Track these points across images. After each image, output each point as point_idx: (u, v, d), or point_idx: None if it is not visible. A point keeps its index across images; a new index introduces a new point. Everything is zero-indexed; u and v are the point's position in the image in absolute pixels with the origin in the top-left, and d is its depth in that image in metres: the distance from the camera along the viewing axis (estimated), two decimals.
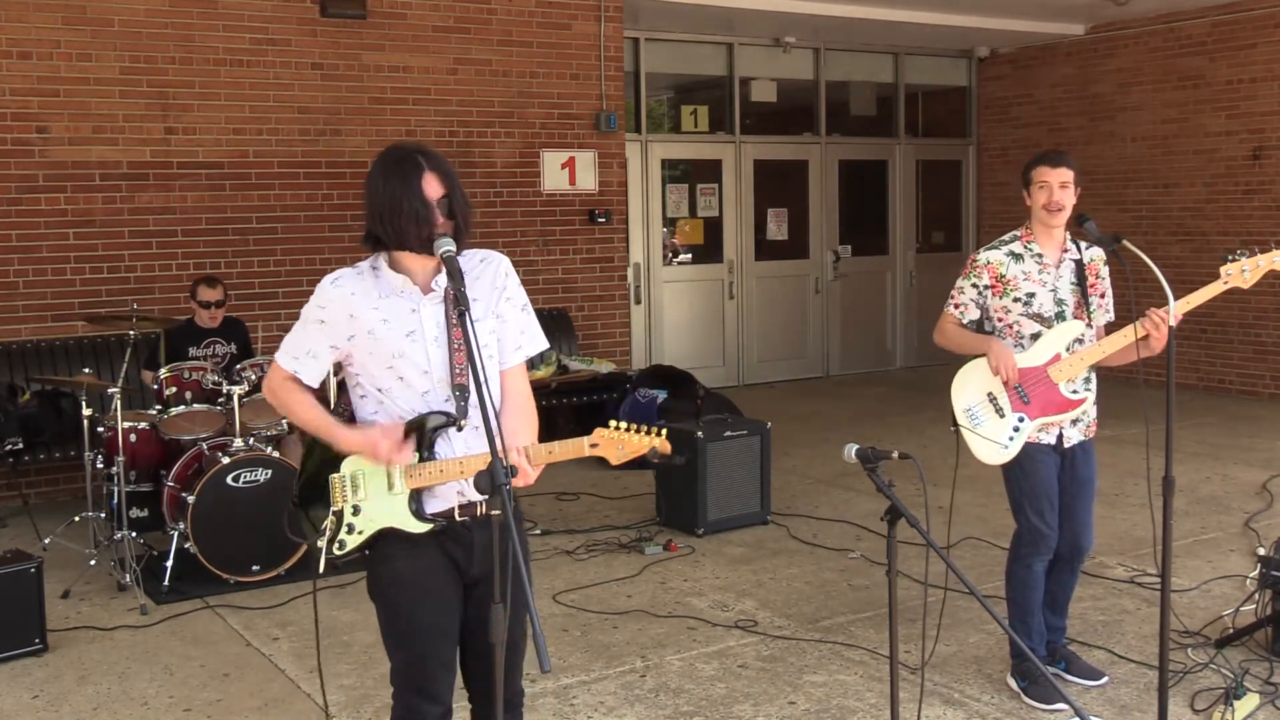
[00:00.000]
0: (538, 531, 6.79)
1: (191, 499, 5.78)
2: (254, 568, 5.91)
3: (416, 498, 2.90)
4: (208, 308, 6.84)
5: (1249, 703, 4.18)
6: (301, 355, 2.96)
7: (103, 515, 6.20)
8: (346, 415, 3.03)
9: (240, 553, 5.87)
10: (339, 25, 8.75)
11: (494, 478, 2.53)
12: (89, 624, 5.45)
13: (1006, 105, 13.10)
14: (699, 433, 6.70)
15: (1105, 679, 4.53)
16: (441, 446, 2.89)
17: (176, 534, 5.93)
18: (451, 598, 2.94)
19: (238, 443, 5.98)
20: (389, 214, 2.81)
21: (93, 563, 6.05)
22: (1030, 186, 4.35)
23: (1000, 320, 4.39)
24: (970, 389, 4.34)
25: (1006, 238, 4.45)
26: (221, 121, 8.39)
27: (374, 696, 4.53)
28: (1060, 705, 4.25)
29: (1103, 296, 4.44)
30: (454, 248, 2.78)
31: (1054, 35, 12.17)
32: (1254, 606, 4.90)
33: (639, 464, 2.90)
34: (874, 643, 5.00)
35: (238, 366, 6.27)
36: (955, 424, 4.34)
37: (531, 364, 3.27)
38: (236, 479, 5.86)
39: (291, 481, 3.13)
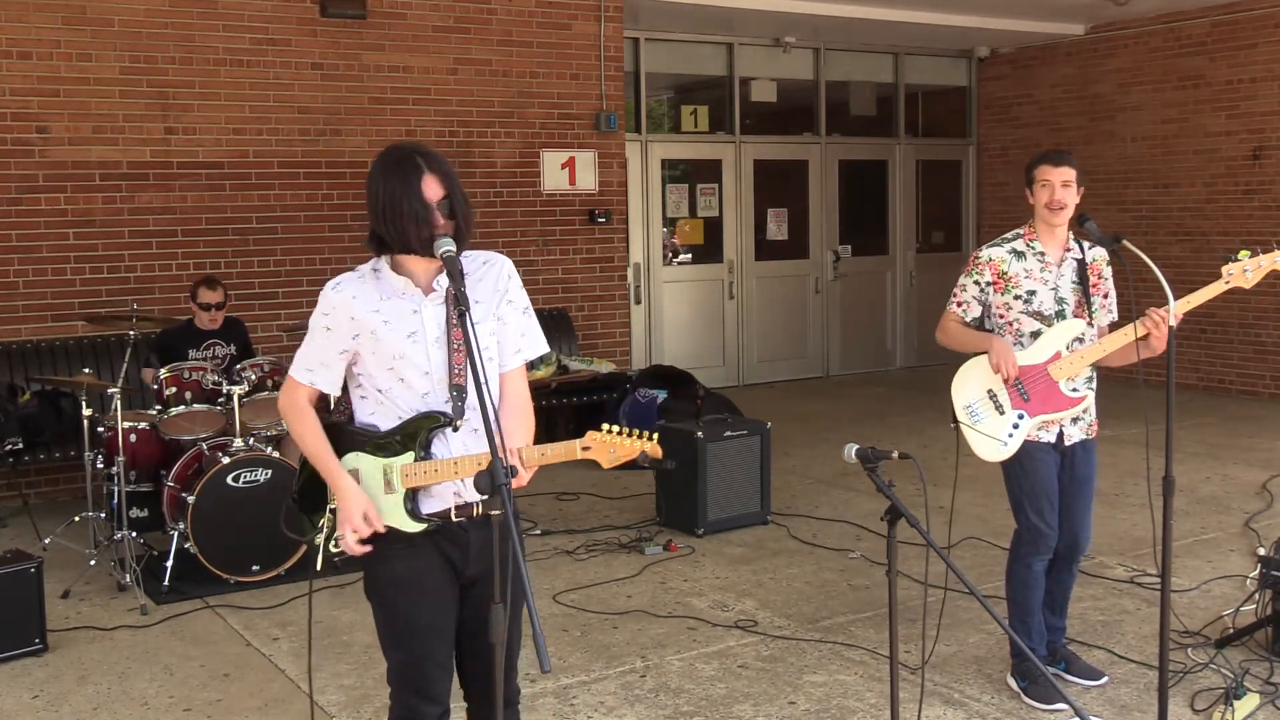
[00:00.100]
0: (538, 531, 6.79)
1: (191, 499, 5.78)
2: (254, 568, 5.91)
3: (412, 498, 2.90)
4: (208, 310, 6.84)
5: (1249, 703, 4.18)
6: (315, 366, 2.95)
7: (103, 515, 6.20)
8: (346, 415, 3.03)
9: (240, 553, 5.87)
10: (339, 25, 8.75)
11: (494, 478, 2.53)
12: (89, 624, 5.45)
13: (1006, 105, 13.10)
14: (699, 433, 6.70)
15: (1105, 679, 4.53)
16: (438, 447, 2.89)
17: (176, 534, 5.93)
18: (448, 598, 2.94)
19: (238, 443, 5.98)
20: (389, 215, 2.81)
21: (93, 563, 6.05)
22: (1033, 185, 4.36)
23: (1001, 317, 4.39)
24: (971, 386, 4.35)
25: (1009, 235, 4.46)
26: (221, 121, 8.39)
27: (374, 696, 4.53)
28: (1060, 705, 4.25)
29: (1105, 296, 4.44)
30: (454, 248, 2.77)
31: (1054, 35, 12.17)
32: (1254, 606, 4.90)
33: (631, 465, 2.91)
34: (874, 643, 5.00)
35: (238, 366, 6.27)
36: (955, 421, 4.35)
37: (532, 364, 3.27)
38: (236, 479, 5.87)
39: (291, 481, 3.13)
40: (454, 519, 2.91)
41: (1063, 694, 3.62)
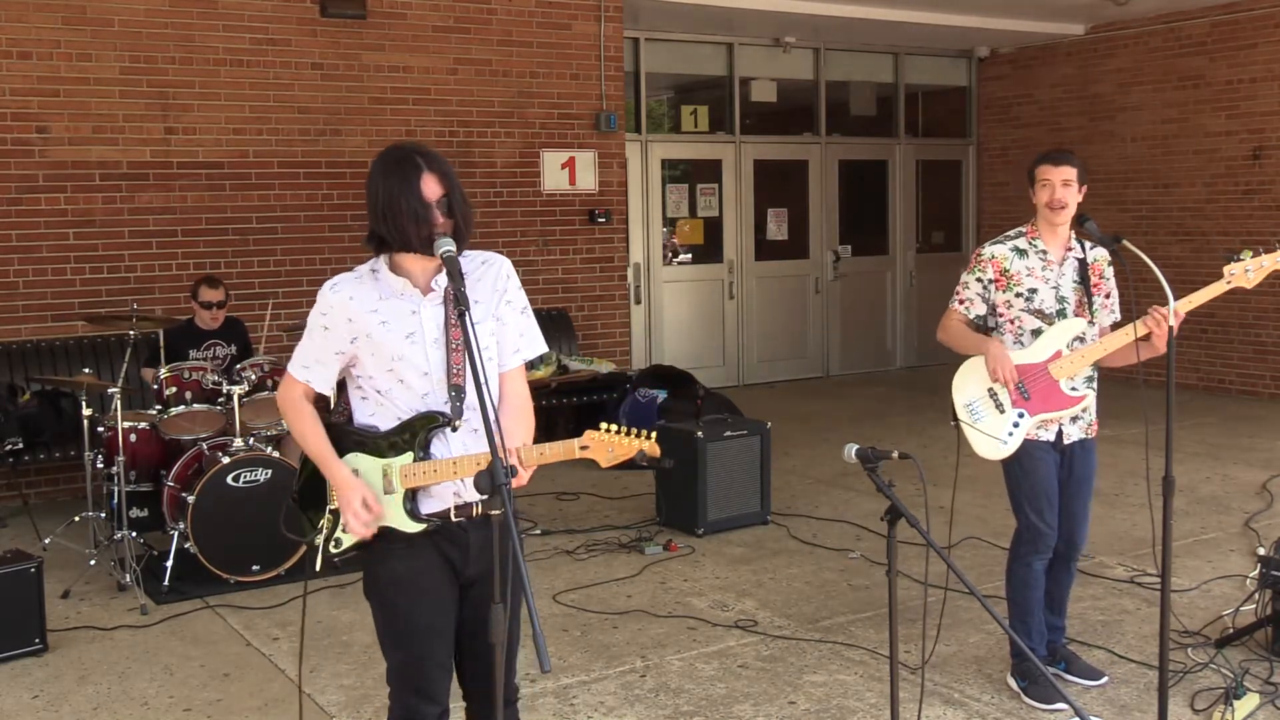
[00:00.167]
0: (538, 531, 6.79)
1: (191, 499, 5.78)
2: (254, 568, 5.91)
3: (412, 498, 2.90)
4: (209, 308, 6.84)
5: (1249, 703, 4.18)
6: (311, 364, 2.96)
7: (103, 515, 6.20)
8: (346, 416, 3.03)
9: (240, 553, 5.87)
10: (339, 25, 8.75)
11: (494, 477, 2.53)
12: (89, 624, 5.45)
13: (1006, 105, 13.10)
14: (699, 433, 6.70)
15: (1105, 679, 4.53)
16: (437, 447, 2.89)
17: (176, 534, 5.93)
18: (447, 598, 2.94)
19: (238, 443, 5.98)
20: (389, 214, 2.81)
21: (93, 563, 6.05)
22: (1034, 185, 4.38)
23: (1002, 315, 4.40)
24: (971, 384, 4.36)
25: (1012, 233, 4.47)
26: (221, 121, 8.39)
27: (374, 696, 4.53)
28: (1060, 705, 4.25)
29: (1107, 296, 4.44)
30: (454, 248, 2.78)
31: (1054, 35, 12.17)
32: (1254, 606, 4.90)
33: (630, 465, 2.91)
34: (874, 643, 5.00)
35: (238, 366, 6.27)
36: (956, 419, 4.35)
37: (531, 364, 3.28)
38: (236, 479, 5.86)
39: (291, 481, 3.13)
40: (453, 519, 2.91)
41: (1063, 694, 3.62)
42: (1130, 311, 4.27)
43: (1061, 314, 4.34)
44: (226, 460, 5.85)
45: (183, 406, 6.21)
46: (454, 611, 2.96)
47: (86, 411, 6.07)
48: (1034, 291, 4.35)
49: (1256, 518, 6.80)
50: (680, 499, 6.80)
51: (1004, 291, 4.38)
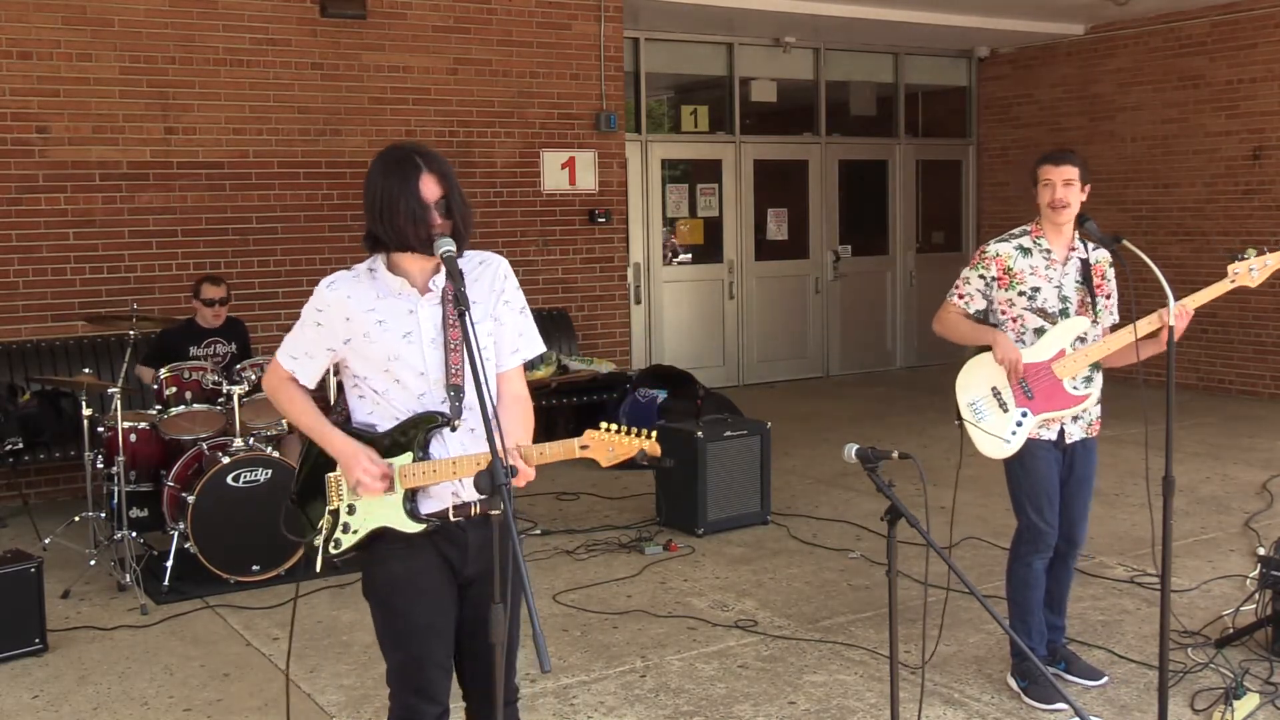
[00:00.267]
0: (538, 531, 6.79)
1: (191, 499, 5.78)
2: (254, 568, 5.90)
3: (411, 498, 2.90)
4: (211, 305, 6.84)
5: (1249, 703, 4.18)
6: (300, 355, 2.97)
7: (103, 515, 6.20)
8: (345, 416, 3.02)
9: (240, 553, 5.87)
10: (339, 25, 8.75)
11: (494, 477, 2.53)
12: (89, 624, 5.44)
13: (1006, 105, 13.10)
14: (699, 433, 6.70)
15: (1105, 679, 4.53)
16: (436, 447, 2.89)
17: (176, 534, 5.92)
18: (447, 598, 2.94)
19: (238, 443, 5.98)
20: (386, 214, 2.81)
21: (93, 563, 6.05)
22: (1036, 185, 4.39)
23: (1004, 313, 4.40)
24: (975, 383, 4.37)
25: (1016, 231, 4.47)
26: (221, 121, 8.39)
27: (374, 696, 4.53)
28: (1060, 705, 4.25)
29: (1108, 298, 4.45)
30: (454, 248, 2.77)
31: (1054, 35, 12.17)
32: (1254, 606, 4.90)
33: (630, 465, 2.91)
34: (874, 643, 5.00)
35: (238, 366, 6.27)
36: (959, 418, 4.36)
37: (531, 364, 3.28)
38: (236, 479, 5.86)
39: (291, 481, 3.13)
40: (452, 519, 2.91)
41: (1063, 694, 3.62)
42: (1130, 312, 4.26)
43: (1064, 313, 4.34)
44: (226, 460, 5.85)
45: (183, 406, 6.21)
46: (453, 611, 2.96)
47: (86, 411, 6.07)
48: (1037, 290, 4.35)
49: (1256, 518, 6.79)
50: (680, 499, 6.80)
51: (1006, 290, 4.38)
